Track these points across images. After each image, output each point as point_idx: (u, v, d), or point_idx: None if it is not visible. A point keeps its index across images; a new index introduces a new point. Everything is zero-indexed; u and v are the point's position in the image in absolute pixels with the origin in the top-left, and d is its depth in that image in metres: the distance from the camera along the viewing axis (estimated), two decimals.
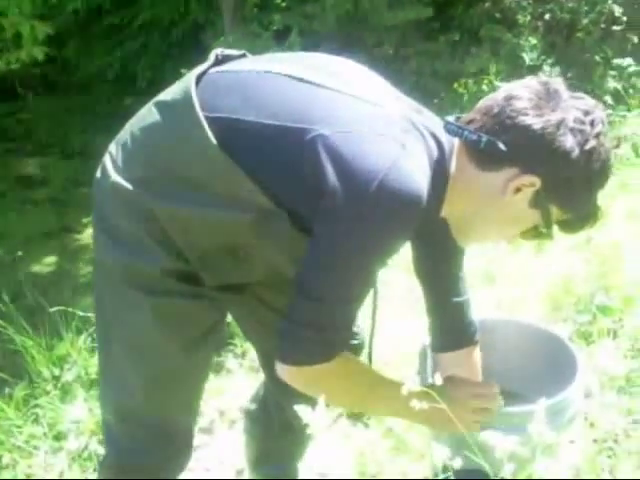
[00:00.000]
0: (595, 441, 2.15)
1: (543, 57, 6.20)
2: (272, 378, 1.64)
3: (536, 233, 1.44)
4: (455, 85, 6.03)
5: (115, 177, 1.41)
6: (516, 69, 5.83)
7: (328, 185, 1.26)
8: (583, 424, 2.16)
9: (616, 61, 6.16)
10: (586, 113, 1.31)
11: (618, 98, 5.72)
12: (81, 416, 2.57)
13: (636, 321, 2.59)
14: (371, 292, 1.44)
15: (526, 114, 1.30)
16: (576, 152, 1.29)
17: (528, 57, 6.13)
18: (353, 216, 1.27)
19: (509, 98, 1.32)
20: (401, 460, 2.22)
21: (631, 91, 5.82)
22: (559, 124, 1.29)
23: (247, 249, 1.41)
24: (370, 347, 1.61)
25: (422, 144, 1.34)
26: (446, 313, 1.78)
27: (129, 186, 1.38)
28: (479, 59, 6.13)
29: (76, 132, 7.58)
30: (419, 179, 1.28)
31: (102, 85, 8.51)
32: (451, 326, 1.78)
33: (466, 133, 1.34)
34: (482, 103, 1.38)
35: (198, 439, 2.38)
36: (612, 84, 5.90)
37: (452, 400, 1.48)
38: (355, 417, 2.51)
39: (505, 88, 1.37)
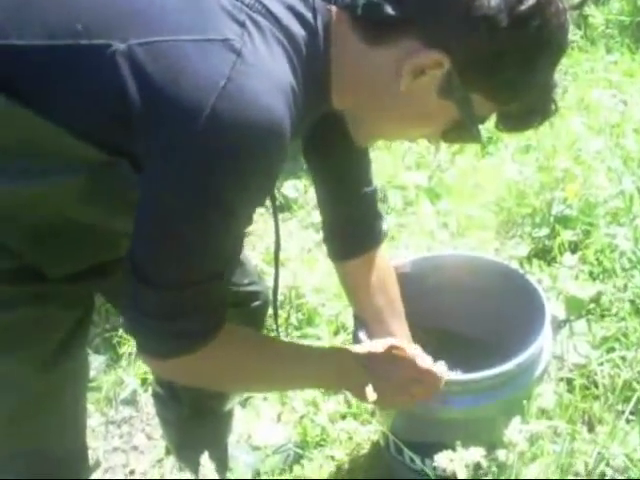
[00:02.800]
0: (566, 380, 1.87)
1: None
2: None
3: (457, 133, 1.08)
4: None
5: None
6: None
7: (142, 125, 0.91)
8: (552, 361, 1.89)
9: None
10: None
11: None
12: None
13: (600, 231, 2.29)
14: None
15: None
16: (504, 15, 0.93)
17: None
18: (184, 163, 0.92)
19: None
20: (346, 423, 1.92)
21: None
22: None
23: (89, 218, 1.06)
24: (275, 308, 1.34)
25: (271, 35, 0.95)
26: (354, 205, 1.45)
27: None
28: None
29: None
30: (268, 99, 0.91)
31: None
32: (359, 220, 1.47)
33: None
34: None
35: (122, 412, 2.24)
36: None
37: (380, 377, 1.29)
38: None
39: None
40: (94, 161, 0.96)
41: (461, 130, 1.07)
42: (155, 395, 1.77)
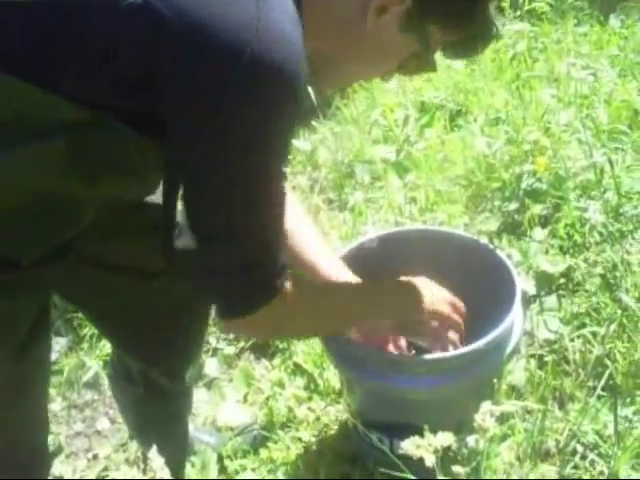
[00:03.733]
0: (537, 357, 1.84)
1: None
2: (119, 347, 1.54)
3: (416, 64, 1.14)
4: None
5: None
6: None
7: (174, 82, 0.89)
8: (523, 338, 1.86)
9: None
10: None
11: None
12: None
13: (570, 205, 2.25)
14: None
15: None
16: None
17: None
18: (232, 114, 0.91)
19: None
20: (313, 403, 1.87)
21: None
22: None
23: (73, 186, 1.02)
24: None
25: None
26: None
27: None
28: None
29: None
30: (291, 30, 0.92)
31: None
32: None
33: None
34: None
35: (84, 396, 2.20)
36: None
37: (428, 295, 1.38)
38: (260, 351, 2.17)
39: None
40: (77, 119, 0.92)
41: (418, 62, 1.12)
42: (110, 377, 1.73)
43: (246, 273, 1.05)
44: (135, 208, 1.19)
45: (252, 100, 0.90)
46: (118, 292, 1.35)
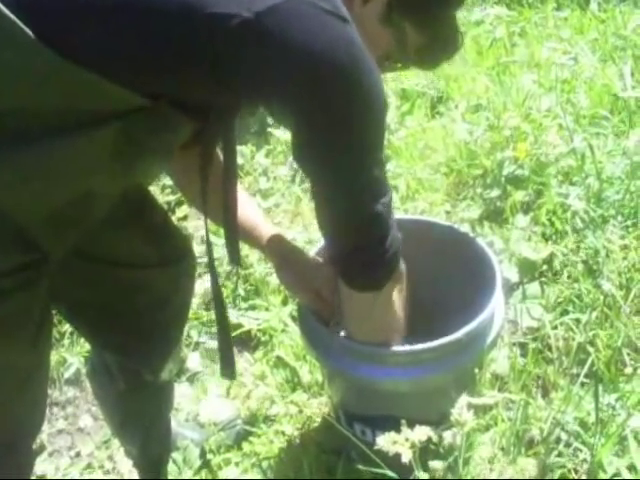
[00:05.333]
0: (520, 345, 1.83)
1: None
2: (97, 341, 1.53)
3: (390, 62, 1.22)
4: None
5: None
6: None
7: (284, 88, 0.97)
8: (505, 326, 1.86)
9: None
10: None
11: None
12: None
13: (552, 191, 2.24)
14: None
15: None
16: None
17: None
18: (341, 99, 0.99)
19: None
20: (295, 395, 1.86)
21: None
22: None
23: (109, 176, 1.07)
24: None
25: None
26: None
27: None
28: None
29: None
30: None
31: None
32: None
33: None
34: None
35: (66, 393, 2.20)
36: None
37: None
38: (242, 344, 2.15)
39: None
40: (131, 106, 0.96)
41: (392, 59, 1.20)
42: (89, 375, 1.71)
43: (384, 244, 1.17)
44: (123, 199, 1.19)
45: (359, 86, 0.99)
46: (98, 284, 1.35)
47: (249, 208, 1.50)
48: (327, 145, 1.04)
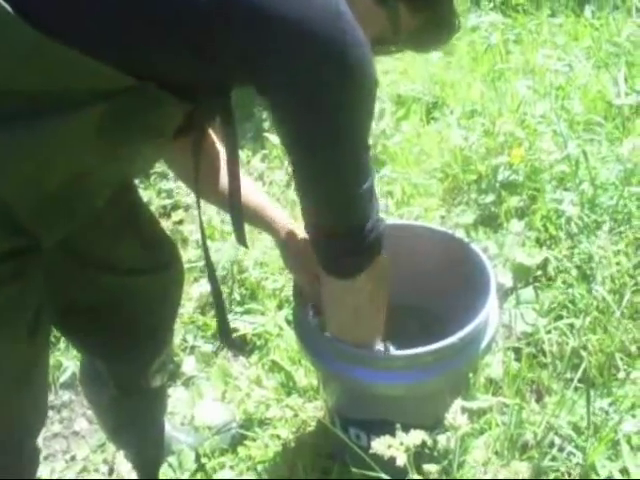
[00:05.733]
0: (514, 349, 1.84)
1: None
2: (95, 352, 1.53)
3: (383, 44, 1.18)
4: None
5: None
6: None
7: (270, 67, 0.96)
8: (500, 331, 1.86)
9: None
10: None
11: None
12: None
13: (546, 197, 2.25)
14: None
15: None
16: None
17: None
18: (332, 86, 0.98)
19: None
20: (291, 399, 1.86)
21: None
22: None
23: (96, 157, 1.04)
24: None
25: None
26: None
27: None
28: None
29: None
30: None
31: None
32: None
33: None
34: None
35: (61, 397, 2.19)
36: None
37: None
38: (237, 349, 2.16)
39: None
40: (116, 86, 0.94)
41: (385, 41, 1.16)
42: (81, 382, 1.71)
43: (369, 229, 1.17)
44: (113, 204, 1.18)
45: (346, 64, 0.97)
46: (88, 288, 1.35)
47: (253, 190, 1.49)
48: (312, 123, 1.01)
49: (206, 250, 1.29)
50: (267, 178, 2.85)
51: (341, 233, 1.16)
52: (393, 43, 1.18)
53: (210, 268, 1.31)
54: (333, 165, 1.07)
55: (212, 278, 1.33)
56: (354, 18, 0.99)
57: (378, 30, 1.12)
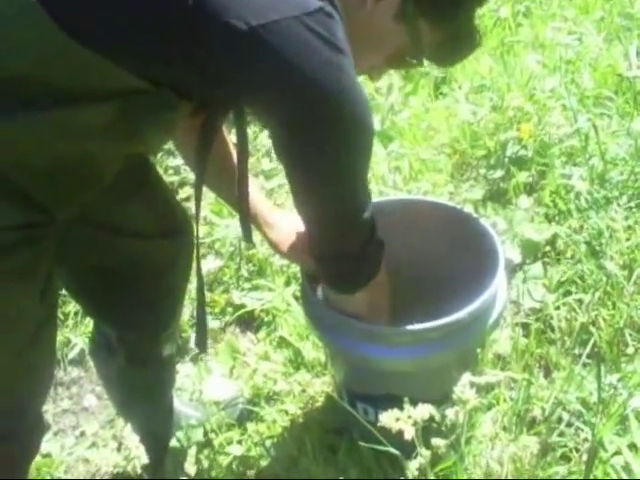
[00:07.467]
0: (522, 325, 1.84)
1: None
2: (106, 317, 1.55)
3: (401, 61, 1.22)
4: None
5: None
6: None
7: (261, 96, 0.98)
8: (508, 306, 1.86)
9: None
10: None
11: None
12: None
13: (555, 172, 2.24)
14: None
15: None
16: None
17: None
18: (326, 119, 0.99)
19: None
20: (299, 375, 1.87)
21: None
22: None
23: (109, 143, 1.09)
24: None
25: None
26: None
27: None
28: None
29: None
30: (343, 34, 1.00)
31: None
32: None
33: None
34: None
35: (70, 373, 2.20)
36: None
37: None
38: (245, 324, 2.16)
39: None
40: (136, 87, 0.99)
41: (406, 56, 1.19)
42: (91, 352, 1.74)
43: (367, 251, 1.22)
44: (128, 170, 1.20)
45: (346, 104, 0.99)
46: (100, 251, 1.37)
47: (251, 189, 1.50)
48: (307, 168, 1.04)
49: (199, 270, 1.39)
50: (274, 155, 2.83)
51: (345, 254, 1.20)
52: (414, 57, 1.20)
53: (200, 282, 1.39)
54: (334, 200, 1.11)
55: (200, 290, 1.40)
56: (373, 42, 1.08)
57: (399, 46, 1.16)
